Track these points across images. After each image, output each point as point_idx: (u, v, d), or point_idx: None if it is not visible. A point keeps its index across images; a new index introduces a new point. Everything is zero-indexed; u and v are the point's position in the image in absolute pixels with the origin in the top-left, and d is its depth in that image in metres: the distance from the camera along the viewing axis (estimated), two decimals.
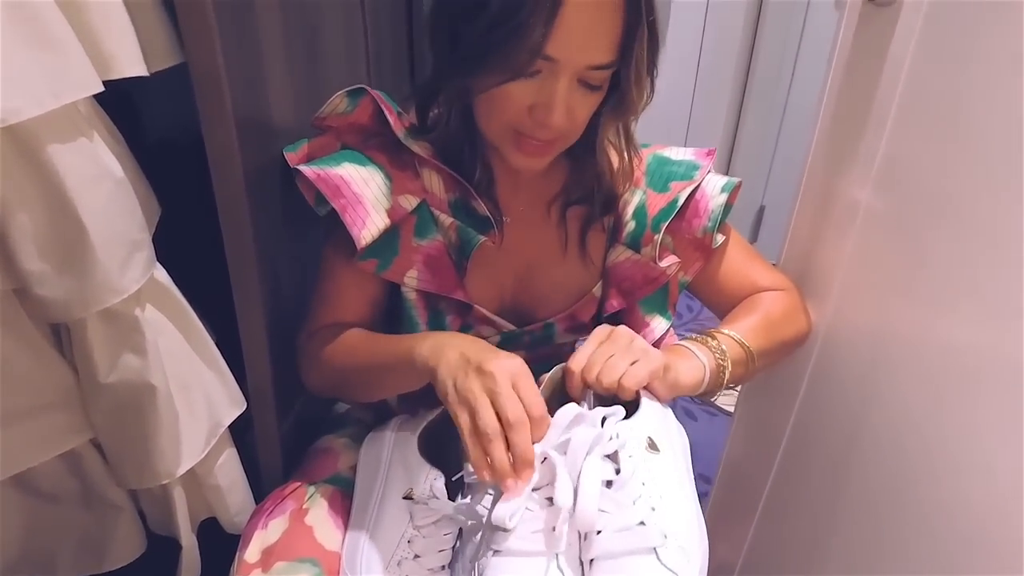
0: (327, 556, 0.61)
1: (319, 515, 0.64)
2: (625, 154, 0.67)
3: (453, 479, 0.60)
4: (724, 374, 0.63)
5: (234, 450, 0.69)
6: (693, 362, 0.61)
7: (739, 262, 0.73)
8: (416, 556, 0.57)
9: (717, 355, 0.63)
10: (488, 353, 0.52)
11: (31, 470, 0.59)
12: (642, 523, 0.48)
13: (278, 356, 0.70)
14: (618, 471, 0.50)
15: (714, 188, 0.69)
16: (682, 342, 0.65)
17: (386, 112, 0.65)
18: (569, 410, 0.51)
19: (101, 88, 0.49)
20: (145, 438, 0.58)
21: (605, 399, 0.56)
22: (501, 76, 0.55)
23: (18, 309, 0.51)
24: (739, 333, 0.66)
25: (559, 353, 0.80)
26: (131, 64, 0.52)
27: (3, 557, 0.65)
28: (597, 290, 0.74)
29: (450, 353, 0.53)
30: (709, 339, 0.64)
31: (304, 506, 0.65)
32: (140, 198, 0.57)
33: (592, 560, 0.48)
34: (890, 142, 0.62)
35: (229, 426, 0.68)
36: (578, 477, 0.48)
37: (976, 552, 0.53)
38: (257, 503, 0.70)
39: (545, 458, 0.50)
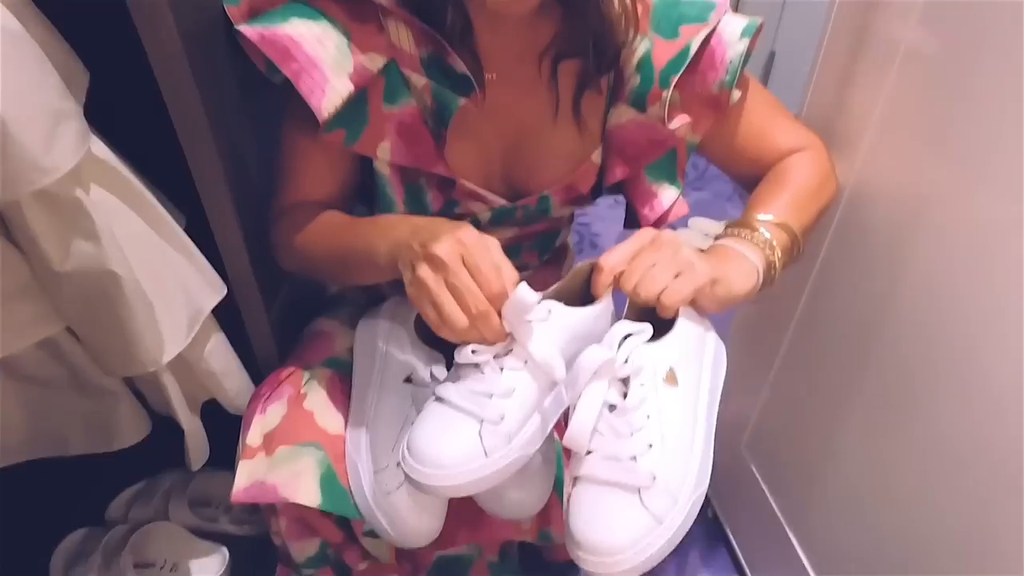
0: (330, 439, 0.60)
1: (318, 400, 0.63)
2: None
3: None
4: (775, 270, 0.56)
5: (222, 335, 0.66)
6: (744, 266, 0.55)
7: (758, 120, 0.63)
8: None
9: (766, 250, 0.56)
10: (430, 232, 0.48)
11: (15, 357, 0.58)
12: (633, 458, 0.45)
13: (254, 237, 0.65)
14: (626, 395, 0.47)
15: (732, 33, 0.58)
16: (727, 241, 0.57)
17: None
18: (595, 354, 0.47)
19: None
20: (120, 327, 0.55)
21: (644, 313, 0.51)
22: None
23: None
24: (780, 216, 0.58)
25: (557, 226, 0.74)
26: None
27: (12, 437, 0.65)
28: (596, 156, 0.65)
29: (400, 242, 0.50)
30: (752, 232, 0.57)
31: (302, 391, 0.64)
32: (56, 61, 0.48)
33: (576, 478, 0.47)
34: None
35: (220, 314, 0.65)
36: (578, 397, 0.46)
37: (1006, 418, 0.50)
38: (256, 385, 0.69)
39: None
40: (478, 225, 0.67)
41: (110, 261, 0.52)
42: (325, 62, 0.53)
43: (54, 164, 0.47)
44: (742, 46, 0.57)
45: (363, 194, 0.66)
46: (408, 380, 0.59)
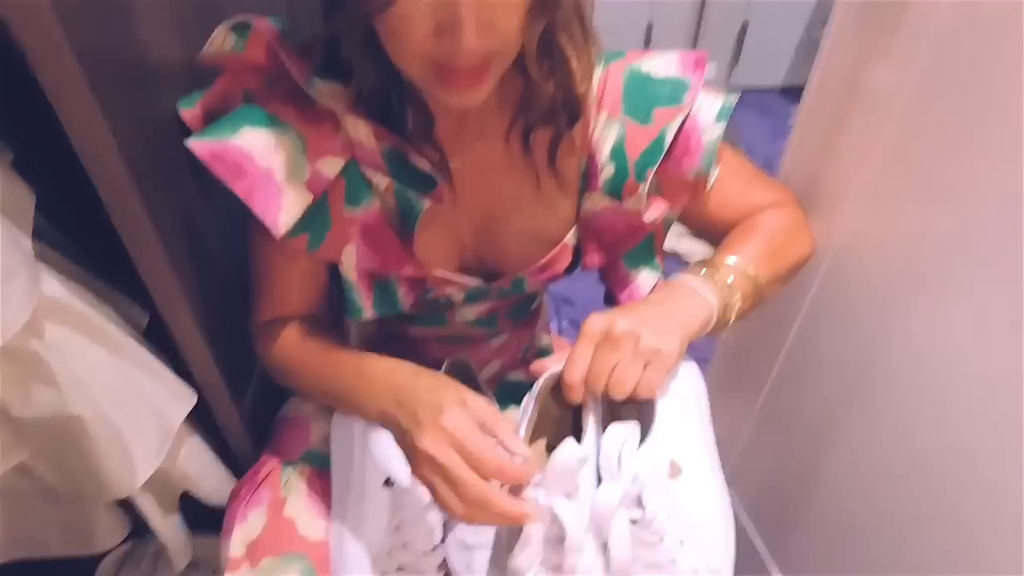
0: (313, 548, 0.60)
1: (298, 505, 0.63)
2: (583, 45, 0.53)
3: None
4: (731, 313, 0.57)
5: (195, 437, 0.66)
6: (697, 303, 0.54)
7: (735, 189, 0.62)
8: (405, 544, 0.57)
9: (723, 292, 0.56)
10: (412, 415, 0.48)
11: None
12: (673, 560, 0.48)
13: (219, 336, 0.63)
14: (640, 500, 0.49)
15: (707, 117, 0.56)
16: (686, 276, 0.57)
17: (283, 55, 0.51)
18: (571, 452, 0.46)
19: None
20: (89, 464, 0.54)
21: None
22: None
23: None
24: (744, 261, 0.58)
25: (532, 294, 0.74)
26: None
27: None
28: (571, 238, 0.64)
29: (387, 415, 0.50)
30: (714, 271, 0.57)
31: (281, 495, 0.64)
32: (5, 194, 0.46)
33: None
34: (936, 16, 0.52)
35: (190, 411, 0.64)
36: (608, 535, 0.47)
37: (992, 455, 0.53)
38: (236, 475, 0.69)
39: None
40: (452, 307, 0.67)
41: (71, 405, 0.51)
42: (278, 173, 0.51)
43: (5, 326, 0.45)
44: (718, 130, 0.56)
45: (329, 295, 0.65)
46: (387, 483, 0.60)
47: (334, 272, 0.61)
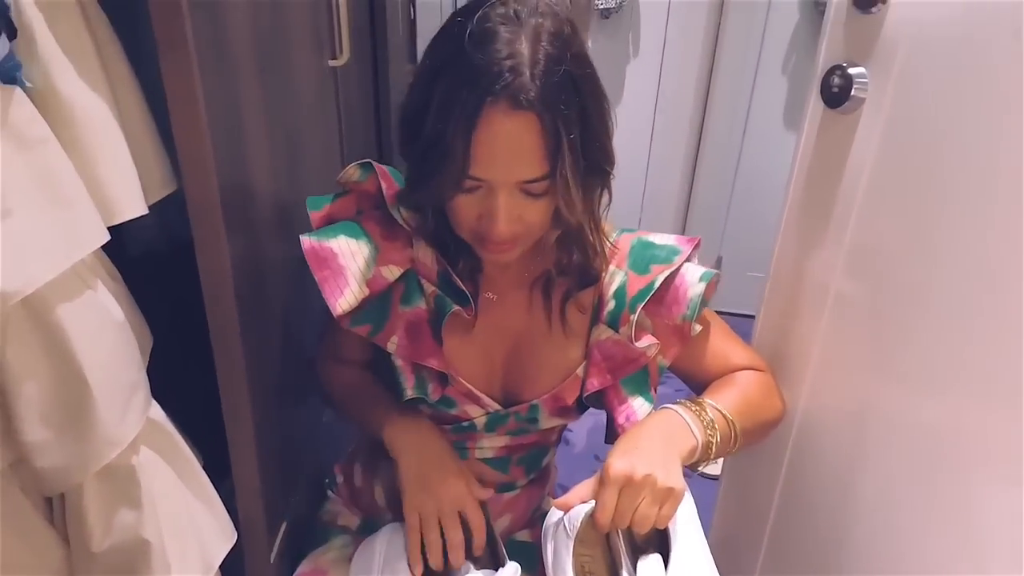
0: None
1: None
2: (597, 236, 0.70)
3: None
4: (711, 449, 0.67)
5: None
6: (688, 436, 0.65)
7: (717, 346, 0.77)
8: None
9: (708, 430, 0.66)
10: (424, 493, 0.66)
11: None
12: None
13: (268, 479, 0.67)
14: None
15: (693, 276, 0.70)
16: (677, 409, 0.67)
17: (383, 185, 0.68)
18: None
19: (108, 238, 0.47)
20: None
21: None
22: (442, 193, 0.60)
23: (12, 487, 0.46)
24: (723, 408, 0.68)
25: (545, 441, 0.82)
26: (133, 205, 0.50)
27: None
28: (580, 371, 0.75)
29: (408, 479, 0.67)
30: (700, 410, 0.67)
31: None
32: (136, 335, 0.54)
33: None
34: (856, 232, 0.67)
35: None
36: None
37: None
38: None
39: None
40: (474, 430, 0.75)
41: (145, 529, 0.53)
42: (351, 271, 0.66)
43: (123, 436, 0.50)
44: (700, 287, 0.70)
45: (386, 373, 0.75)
46: None
47: (387, 358, 0.72)
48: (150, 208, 0.53)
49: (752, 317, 0.84)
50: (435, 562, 0.64)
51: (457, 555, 0.64)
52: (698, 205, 2.22)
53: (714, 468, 1.56)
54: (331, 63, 0.90)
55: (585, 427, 1.67)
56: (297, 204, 0.71)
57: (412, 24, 1.55)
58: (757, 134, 2.06)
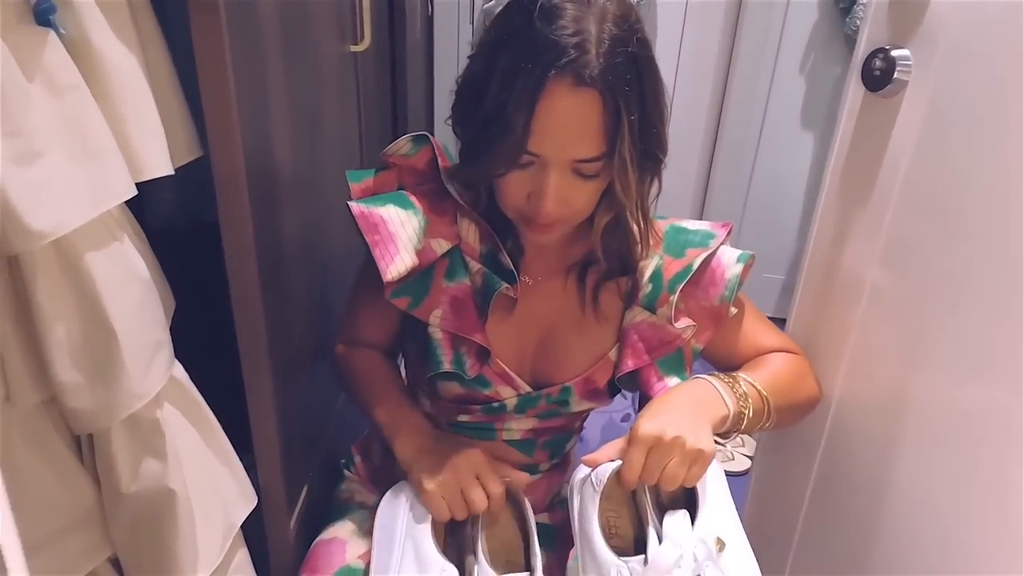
0: None
1: None
2: (641, 225, 0.70)
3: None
4: (743, 421, 0.66)
5: (246, 551, 0.66)
6: (720, 403, 0.64)
7: (750, 329, 0.76)
8: None
9: (740, 401, 0.66)
10: (444, 445, 0.66)
11: None
12: None
13: (288, 450, 0.68)
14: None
15: (729, 258, 0.71)
16: (710, 379, 0.67)
17: (439, 159, 0.69)
18: (667, 554, 0.55)
19: (135, 192, 0.49)
20: (163, 549, 0.55)
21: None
22: (496, 169, 0.60)
23: (46, 424, 0.48)
24: (757, 382, 0.68)
25: (570, 426, 0.81)
26: (160, 165, 0.52)
27: None
28: (613, 354, 0.75)
29: (407, 462, 0.67)
30: (733, 381, 0.67)
31: None
32: (160, 295, 0.55)
33: None
34: (893, 223, 0.66)
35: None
36: None
37: None
38: None
39: None
40: (504, 411, 0.75)
41: (171, 479, 0.54)
42: (401, 239, 0.65)
43: (147, 389, 0.51)
44: (738, 268, 0.71)
45: (415, 355, 0.75)
46: None
47: (422, 333, 0.71)
48: (169, 182, 0.55)
49: (770, 319, 0.83)
50: (460, 515, 0.64)
51: (483, 507, 0.64)
52: (714, 206, 2.19)
53: (740, 464, 1.55)
54: (352, 48, 0.92)
55: (599, 425, 1.65)
56: (315, 185, 0.72)
57: (429, 20, 1.59)
58: (774, 135, 2.03)
